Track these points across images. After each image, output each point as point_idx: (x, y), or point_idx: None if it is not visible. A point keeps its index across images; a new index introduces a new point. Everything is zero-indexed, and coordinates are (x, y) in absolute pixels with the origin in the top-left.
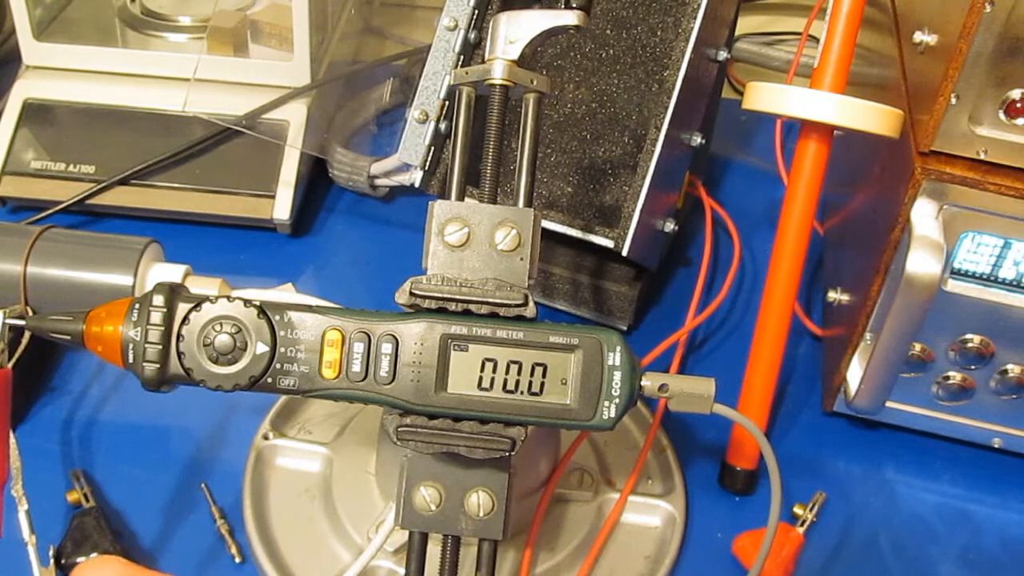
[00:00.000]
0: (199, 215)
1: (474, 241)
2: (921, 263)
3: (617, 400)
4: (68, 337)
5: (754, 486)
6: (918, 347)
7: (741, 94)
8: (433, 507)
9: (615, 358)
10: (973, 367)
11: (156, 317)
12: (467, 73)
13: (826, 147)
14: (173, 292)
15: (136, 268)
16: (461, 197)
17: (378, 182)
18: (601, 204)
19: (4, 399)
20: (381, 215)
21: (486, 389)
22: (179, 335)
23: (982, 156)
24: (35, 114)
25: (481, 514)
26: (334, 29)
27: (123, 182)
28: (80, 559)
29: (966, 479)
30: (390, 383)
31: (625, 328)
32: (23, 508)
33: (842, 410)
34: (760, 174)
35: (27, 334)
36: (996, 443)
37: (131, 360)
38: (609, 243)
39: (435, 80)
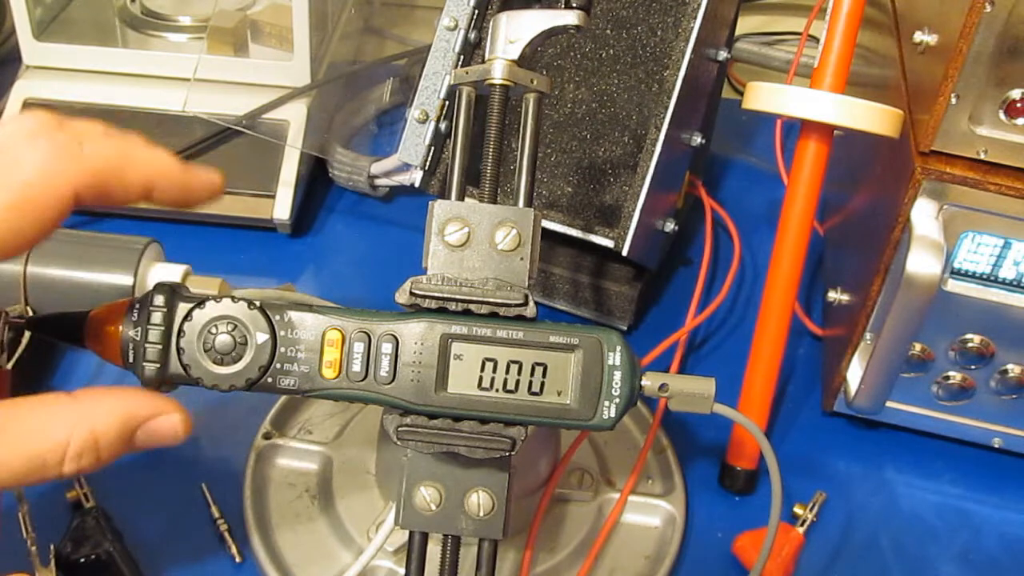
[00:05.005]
0: (199, 215)
1: (474, 241)
2: (921, 263)
3: (617, 400)
4: (68, 337)
5: (754, 486)
6: (918, 347)
7: (741, 94)
8: (433, 507)
9: (615, 358)
10: (973, 367)
11: (156, 317)
12: (467, 73)
13: (826, 147)
14: (173, 292)
15: (136, 268)
16: (461, 197)
17: (378, 182)
18: (601, 204)
19: (3, 399)
20: (381, 215)
21: (486, 389)
22: (179, 335)
23: (982, 156)
24: None
25: (481, 514)
26: (334, 29)
27: None
28: (80, 559)
29: (966, 479)
30: (390, 383)
31: (625, 328)
32: (23, 508)
33: (842, 410)
34: (760, 174)
35: (27, 334)
36: (996, 443)
37: (131, 360)
38: (609, 243)
39: (435, 80)
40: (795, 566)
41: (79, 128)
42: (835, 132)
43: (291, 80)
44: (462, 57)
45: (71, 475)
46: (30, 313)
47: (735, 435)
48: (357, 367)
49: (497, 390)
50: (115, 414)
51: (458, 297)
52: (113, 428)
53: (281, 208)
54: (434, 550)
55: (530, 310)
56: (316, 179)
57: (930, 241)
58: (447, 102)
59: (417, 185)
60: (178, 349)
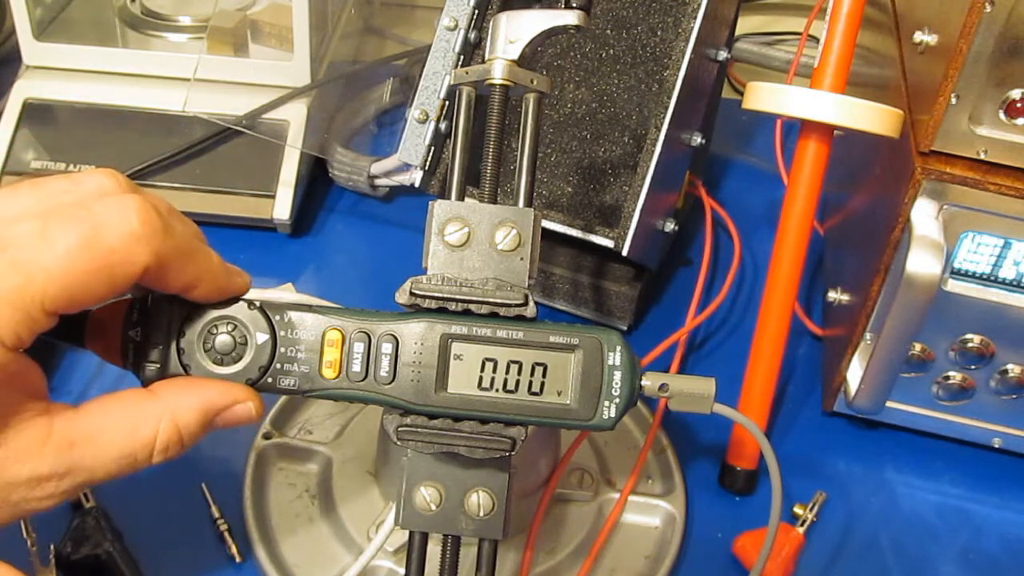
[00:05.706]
0: (199, 215)
1: (474, 241)
2: (921, 263)
3: (617, 400)
4: (68, 337)
5: (754, 486)
6: (918, 347)
7: (741, 94)
8: (433, 507)
9: (615, 358)
10: (973, 367)
11: (157, 317)
12: (467, 73)
13: (826, 147)
14: None
15: None
16: (461, 197)
17: (378, 182)
18: (601, 204)
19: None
20: (381, 215)
21: (486, 389)
22: (179, 335)
23: (982, 156)
24: (35, 114)
25: (481, 514)
26: (334, 29)
27: None
28: (80, 559)
29: (966, 479)
30: (390, 383)
31: (625, 328)
32: None
33: (842, 410)
34: (760, 174)
35: None
36: (996, 443)
37: (131, 360)
38: (609, 243)
39: (435, 80)
40: (795, 566)
41: (157, 201)
42: (835, 132)
43: (291, 80)
44: (462, 57)
45: (157, 465)
46: None
47: (735, 435)
48: (357, 367)
49: (497, 390)
50: (196, 407)
51: (458, 297)
52: (195, 420)
53: (281, 208)
54: (434, 550)
55: (530, 310)
56: (316, 179)
57: (930, 241)
58: (447, 102)
59: (417, 185)
60: (178, 349)
